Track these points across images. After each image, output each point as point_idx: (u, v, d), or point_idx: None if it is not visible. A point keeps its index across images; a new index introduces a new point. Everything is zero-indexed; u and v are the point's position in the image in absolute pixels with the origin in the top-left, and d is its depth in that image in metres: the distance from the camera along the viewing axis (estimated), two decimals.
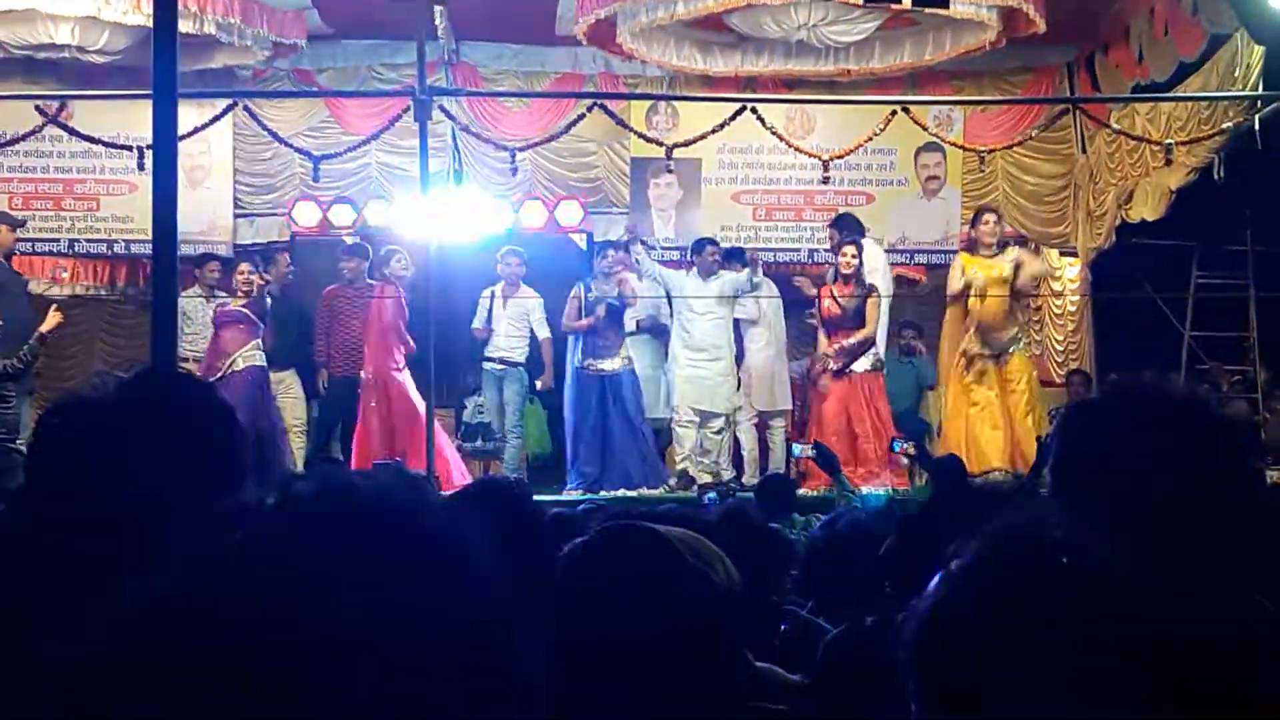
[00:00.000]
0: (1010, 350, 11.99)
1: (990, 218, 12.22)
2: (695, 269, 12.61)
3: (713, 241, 12.80)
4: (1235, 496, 2.06)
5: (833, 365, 11.90)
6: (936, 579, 1.38)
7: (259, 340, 11.92)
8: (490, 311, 12.62)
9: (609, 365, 12.04)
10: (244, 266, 12.10)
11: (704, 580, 2.02)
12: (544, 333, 12.65)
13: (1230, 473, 2.08)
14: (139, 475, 1.74)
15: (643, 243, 12.91)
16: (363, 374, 12.12)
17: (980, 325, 11.92)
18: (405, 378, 11.99)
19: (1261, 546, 2.09)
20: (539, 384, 12.66)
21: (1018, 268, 12.07)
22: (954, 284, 12.22)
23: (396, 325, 12.04)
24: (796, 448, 11.11)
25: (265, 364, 12.03)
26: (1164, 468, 2.03)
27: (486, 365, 12.60)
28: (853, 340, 11.93)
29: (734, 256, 13.13)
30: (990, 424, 11.80)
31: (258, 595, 0.98)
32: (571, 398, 12.13)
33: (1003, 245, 12.34)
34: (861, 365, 11.92)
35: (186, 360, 11.85)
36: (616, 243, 12.92)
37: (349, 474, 1.15)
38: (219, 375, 11.52)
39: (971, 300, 11.90)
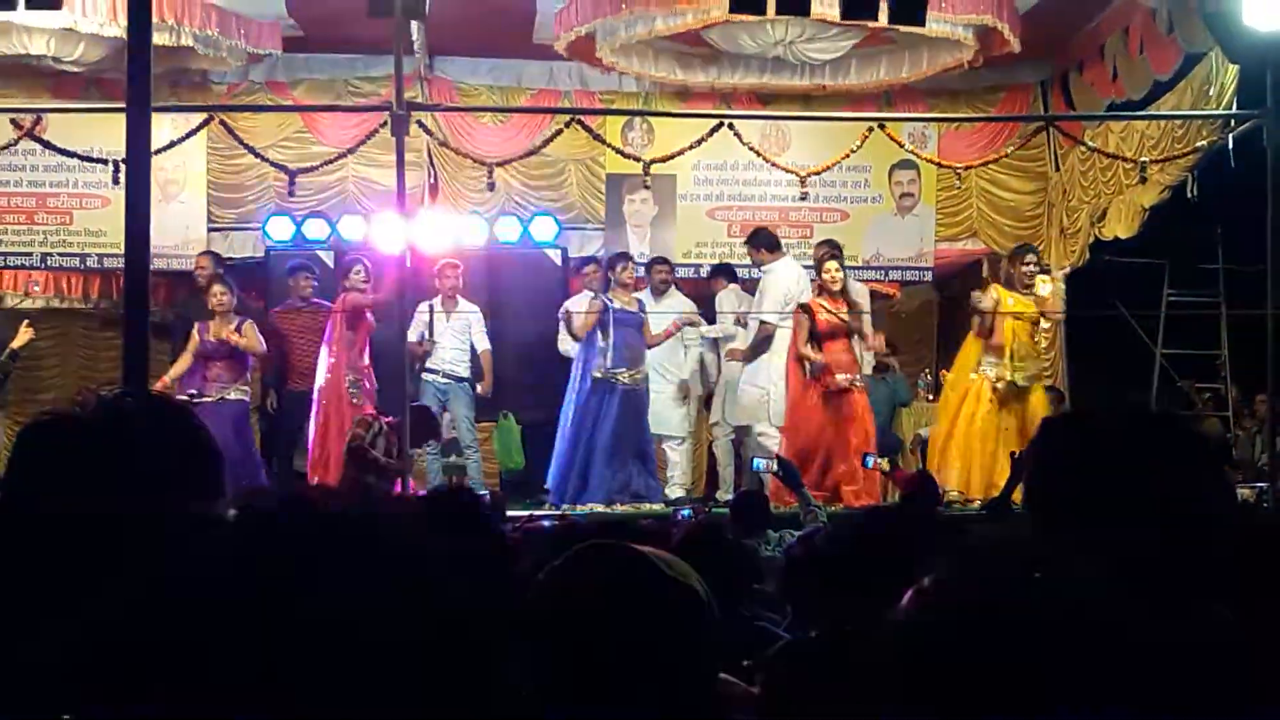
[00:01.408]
0: (1033, 384, 11.85)
1: (1033, 258, 12.00)
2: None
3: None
4: (1207, 513, 2.07)
5: (848, 381, 11.76)
6: (911, 592, 1.39)
7: (248, 375, 11.81)
8: (431, 325, 12.50)
9: (633, 376, 11.91)
10: (217, 289, 11.86)
11: (687, 593, 2.02)
12: (484, 345, 12.60)
13: (1202, 489, 2.09)
14: (115, 492, 1.74)
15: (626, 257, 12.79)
16: (317, 386, 11.95)
17: (1011, 354, 11.76)
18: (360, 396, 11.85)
19: (1231, 561, 2.10)
20: (479, 389, 12.58)
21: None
22: (984, 305, 12.00)
23: (351, 336, 11.90)
24: (759, 463, 11.05)
25: (248, 399, 11.91)
26: (1136, 484, 2.03)
27: (428, 378, 12.35)
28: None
29: (721, 272, 13.13)
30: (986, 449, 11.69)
31: (217, 606, 0.98)
32: (582, 407, 11.93)
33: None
34: (844, 382, 11.85)
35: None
36: (625, 255, 12.73)
37: (307, 489, 1.16)
38: (204, 400, 11.39)
39: (1006, 329, 11.73)
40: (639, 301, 12.16)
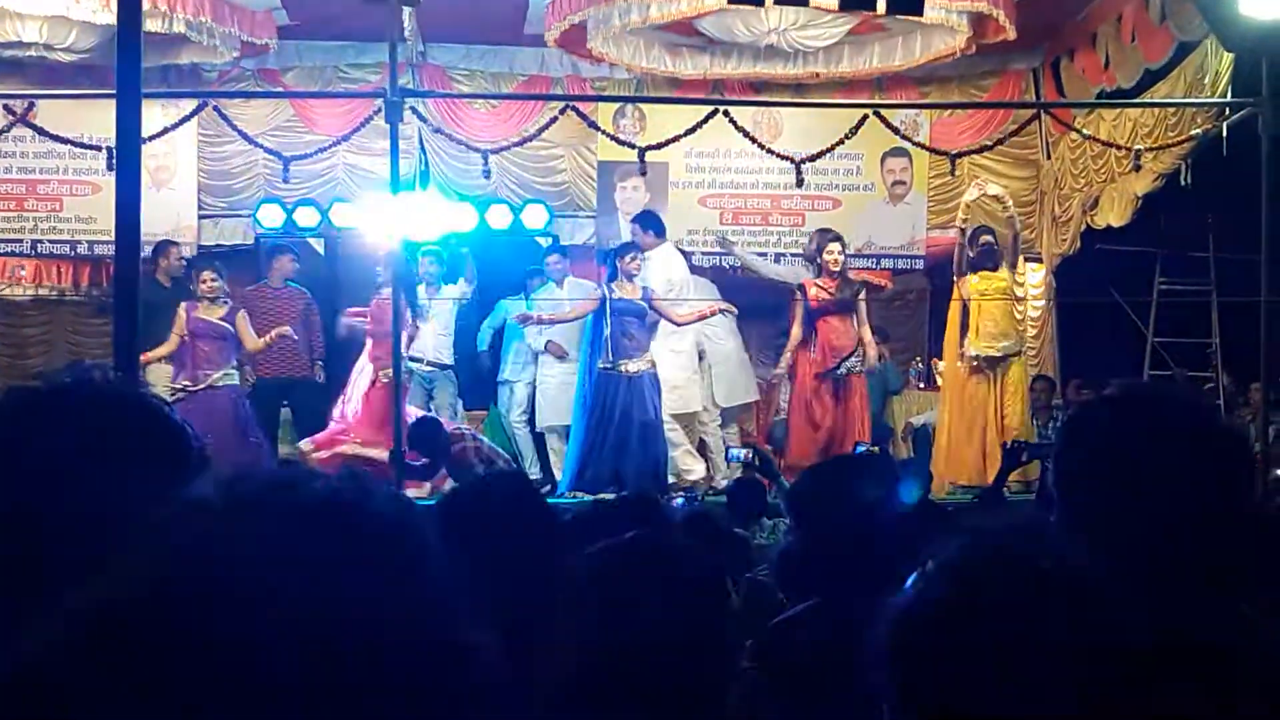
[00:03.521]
0: (1010, 359, 11.88)
1: (986, 238, 12.03)
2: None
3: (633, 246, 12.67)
4: (1236, 503, 2.05)
5: (847, 368, 11.76)
6: (913, 577, 1.38)
7: (235, 359, 11.74)
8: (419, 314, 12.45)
9: (635, 366, 11.88)
10: (208, 274, 11.82)
11: (719, 588, 2.04)
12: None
13: (1232, 479, 2.07)
14: (81, 473, 1.71)
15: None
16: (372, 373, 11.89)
17: (981, 331, 11.80)
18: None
19: (1252, 554, 2.08)
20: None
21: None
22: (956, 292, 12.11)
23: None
24: (736, 453, 11.05)
25: (238, 382, 11.83)
26: (1171, 473, 2.00)
27: (413, 366, 12.27)
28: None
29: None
30: (970, 431, 11.73)
31: (201, 595, 0.97)
32: (590, 398, 11.86)
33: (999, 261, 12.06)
34: (852, 366, 11.85)
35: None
36: (633, 244, 12.62)
37: (293, 473, 1.14)
38: (195, 389, 11.33)
39: (972, 306, 11.81)
40: (645, 290, 12.03)
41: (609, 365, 11.69)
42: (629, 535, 2.15)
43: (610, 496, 11.17)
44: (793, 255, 13.50)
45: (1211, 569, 1.85)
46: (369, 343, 11.91)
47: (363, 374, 11.85)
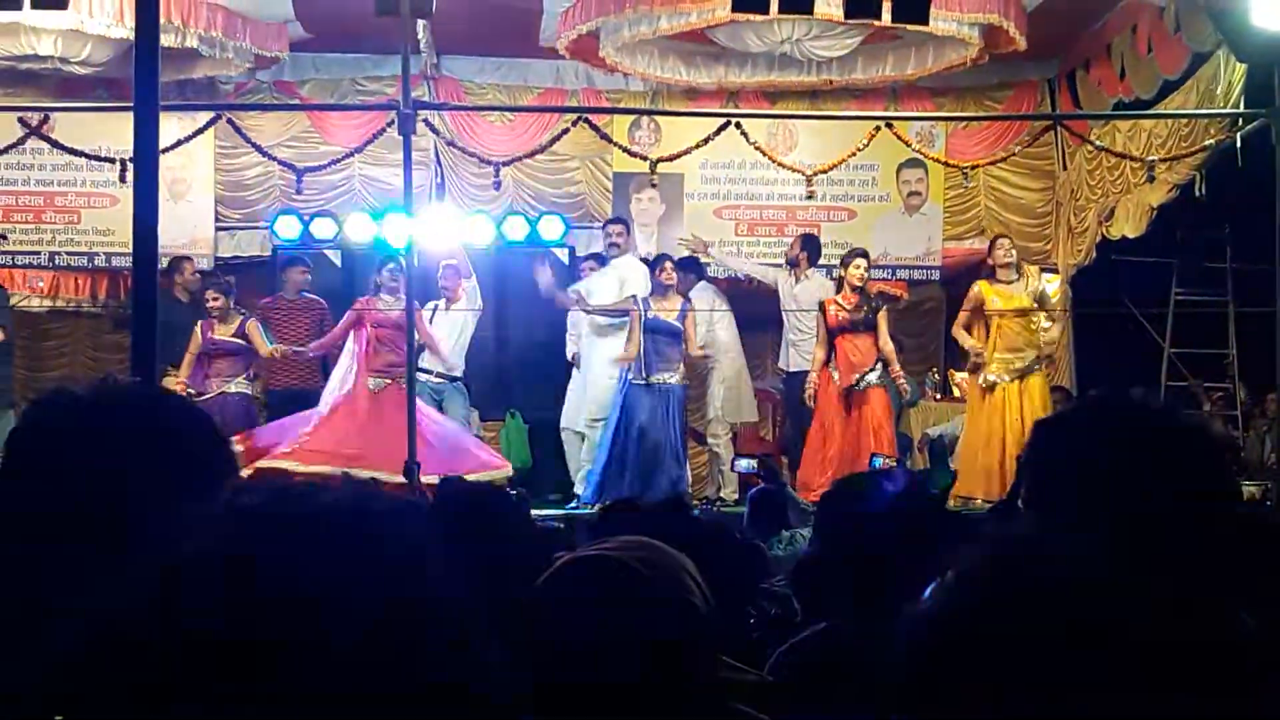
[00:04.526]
0: (1033, 370, 11.86)
1: (1004, 243, 12.03)
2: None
3: (668, 257, 12.65)
4: (1210, 510, 2.05)
5: (857, 379, 11.75)
6: (932, 587, 1.38)
7: (250, 370, 11.81)
8: (431, 325, 12.41)
9: (672, 379, 11.88)
10: (210, 293, 11.87)
11: (667, 600, 2.03)
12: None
13: (1206, 485, 2.07)
14: (116, 475, 1.72)
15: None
16: (366, 382, 11.80)
17: (999, 350, 11.77)
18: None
19: (1238, 560, 2.08)
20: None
21: (1041, 295, 12.03)
22: (965, 309, 12.04)
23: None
24: (744, 463, 11.02)
25: (249, 390, 11.88)
26: (1136, 480, 2.01)
27: (422, 378, 11.98)
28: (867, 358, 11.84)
29: (688, 267, 13.04)
30: (989, 445, 11.69)
31: (212, 601, 0.98)
32: (628, 409, 11.75)
33: (1019, 271, 12.07)
34: (871, 380, 11.84)
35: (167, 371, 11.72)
36: (665, 255, 12.58)
37: (298, 482, 1.15)
38: (206, 397, 11.38)
39: (992, 326, 11.78)
40: (683, 301, 12.02)
41: (640, 379, 11.69)
42: (588, 550, 2.15)
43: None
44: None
45: (1187, 571, 1.85)
46: (356, 348, 11.79)
47: (345, 381, 11.75)
